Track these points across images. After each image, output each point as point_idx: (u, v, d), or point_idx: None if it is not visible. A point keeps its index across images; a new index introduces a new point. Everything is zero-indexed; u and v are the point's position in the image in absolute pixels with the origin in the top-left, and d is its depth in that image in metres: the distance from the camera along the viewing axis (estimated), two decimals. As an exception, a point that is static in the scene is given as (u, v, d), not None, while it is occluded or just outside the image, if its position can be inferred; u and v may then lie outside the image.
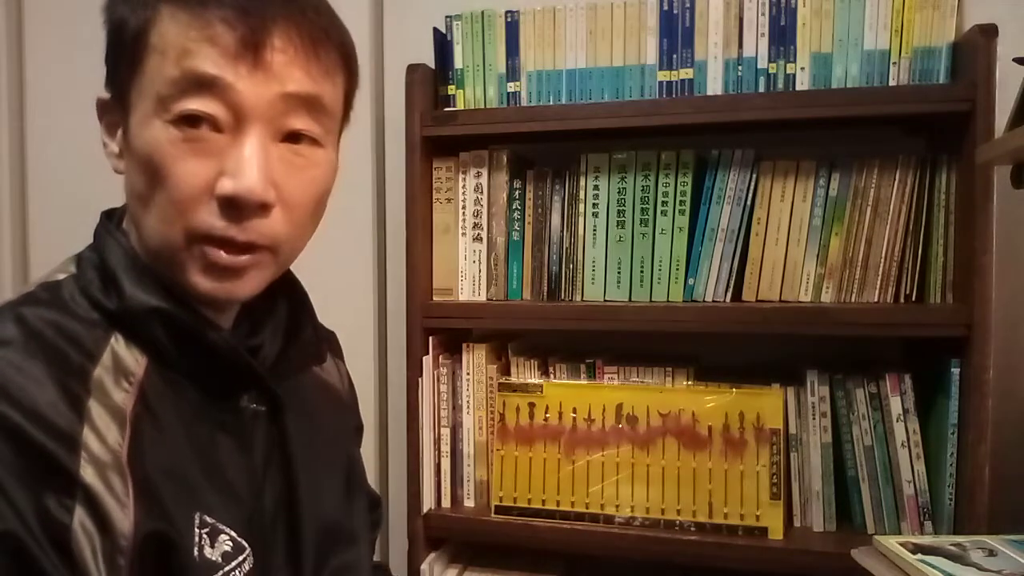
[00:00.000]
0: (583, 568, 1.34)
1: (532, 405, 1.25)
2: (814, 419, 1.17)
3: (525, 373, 1.30)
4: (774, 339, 1.26)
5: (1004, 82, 1.06)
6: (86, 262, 0.64)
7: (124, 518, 0.54)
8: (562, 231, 1.28)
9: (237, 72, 0.58)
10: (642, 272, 1.24)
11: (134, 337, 0.61)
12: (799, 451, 1.18)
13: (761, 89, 1.17)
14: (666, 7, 1.20)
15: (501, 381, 1.28)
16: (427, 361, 1.29)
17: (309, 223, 0.66)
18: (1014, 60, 1.02)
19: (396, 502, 1.53)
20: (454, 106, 1.30)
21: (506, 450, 1.26)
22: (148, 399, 0.59)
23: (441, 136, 1.28)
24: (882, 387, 1.14)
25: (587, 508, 1.22)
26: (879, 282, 1.16)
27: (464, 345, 1.31)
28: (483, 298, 1.31)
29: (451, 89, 1.30)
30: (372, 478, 1.52)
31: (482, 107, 1.29)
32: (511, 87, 1.28)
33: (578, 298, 1.27)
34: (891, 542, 0.89)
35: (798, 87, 1.16)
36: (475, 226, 1.31)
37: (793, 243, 1.19)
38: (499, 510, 1.26)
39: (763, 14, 1.17)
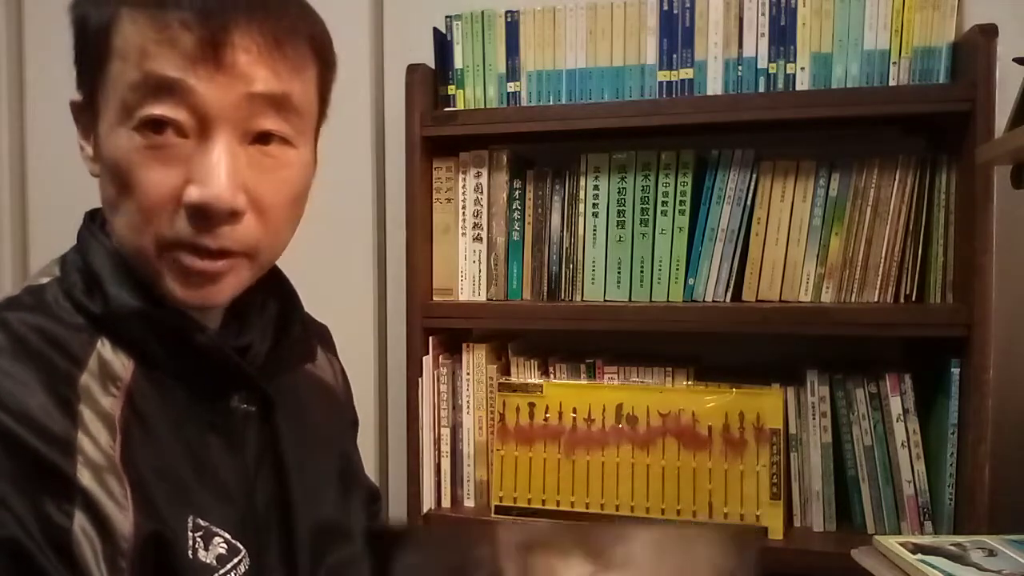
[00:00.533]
0: (583, 568, 1.34)
1: (532, 405, 1.25)
2: (814, 419, 1.17)
3: (525, 373, 1.30)
4: (774, 339, 1.26)
5: (1004, 82, 1.06)
6: (70, 264, 0.63)
7: (124, 520, 0.54)
8: (562, 231, 1.28)
9: (198, 75, 0.56)
10: (642, 272, 1.24)
11: (120, 340, 0.60)
12: (799, 451, 1.18)
13: (761, 89, 1.17)
14: (666, 7, 1.20)
15: (501, 381, 1.28)
16: (427, 361, 1.29)
17: (285, 225, 0.65)
18: (1014, 60, 1.02)
19: (396, 502, 1.53)
20: (454, 106, 1.30)
21: (506, 450, 1.26)
22: (136, 403, 0.59)
23: (441, 136, 1.28)
24: (882, 387, 1.14)
25: (587, 508, 1.22)
26: (879, 282, 1.16)
27: (464, 345, 1.31)
28: (483, 298, 1.31)
29: (451, 89, 1.30)
30: (372, 478, 1.52)
31: (482, 107, 1.29)
32: (511, 87, 1.28)
33: (578, 298, 1.27)
34: (891, 542, 0.89)
35: (798, 87, 1.16)
36: (475, 226, 1.31)
37: (793, 243, 1.19)
38: (499, 510, 1.26)
39: (763, 14, 1.17)
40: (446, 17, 1.31)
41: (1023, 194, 1.07)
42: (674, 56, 1.21)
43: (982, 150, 1.04)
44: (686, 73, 1.20)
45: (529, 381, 1.27)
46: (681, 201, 1.22)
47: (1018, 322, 1.23)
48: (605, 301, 1.25)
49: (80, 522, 0.52)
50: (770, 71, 1.17)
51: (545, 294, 1.29)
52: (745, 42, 1.18)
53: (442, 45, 1.31)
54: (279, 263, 0.70)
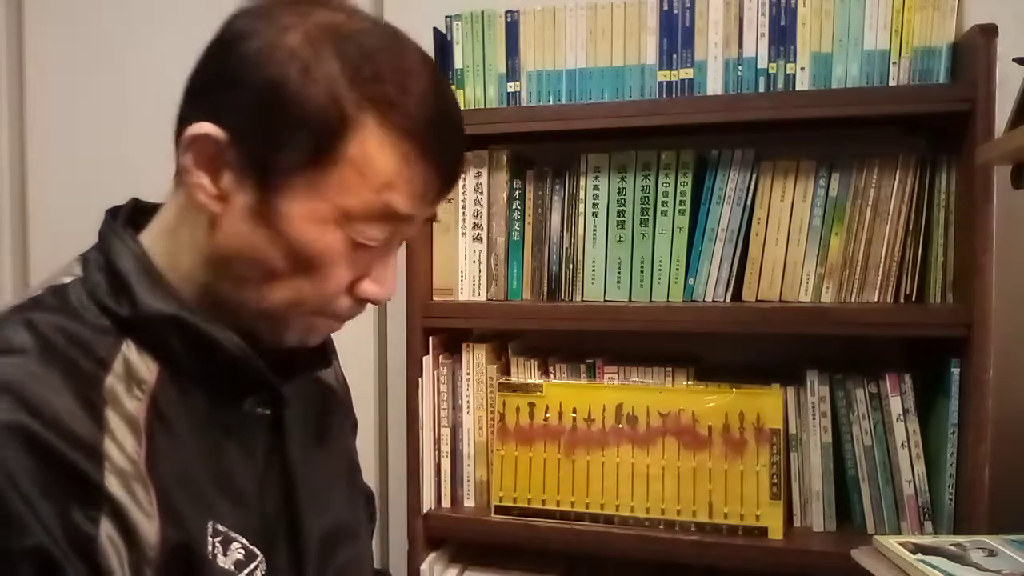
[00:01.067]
0: (583, 568, 1.34)
1: (532, 405, 1.25)
2: (814, 419, 1.17)
3: (525, 373, 1.30)
4: (774, 339, 1.26)
5: (1004, 82, 1.06)
6: (92, 264, 0.62)
7: (150, 529, 0.54)
8: (562, 231, 1.28)
9: (419, 209, 0.62)
10: (642, 272, 1.24)
11: (145, 343, 0.60)
12: (799, 451, 1.18)
13: (761, 89, 1.17)
14: (666, 7, 1.20)
15: (501, 381, 1.28)
16: (427, 361, 1.29)
17: None
18: (1014, 60, 1.02)
19: (396, 502, 1.53)
20: (454, 106, 1.30)
21: (506, 450, 1.26)
22: (160, 407, 0.59)
23: (441, 136, 1.27)
24: (882, 387, 1.14)
25: (587, 508, 1.22)
26: (879, 282, 1.16)
27: (464, 345, 1.31)
28: (483, 298, 1.31)
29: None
30: (372, 478, 1.53)
31: (482, 107, 1.29)
32: (511, 87, 1.28)
33: (578, 298, 1.27)
34: (891, 542, 0.89)
35: (798, 87, 1.16)
36: (475, 226, 1.31)
37: (793, 243, 1.19)
38: (499, 510, 1.26)
39: (763, 14, 1.17)
40: (446, 17, 1.30)
41: (1023, 194, 1.07)
42: (674, 56, 1.21)
43: (982, 150, 1.04)
44: (686, 73, 1.20)
45: (529, 381, 1.27)
46: (681, 201, 1.22)
47: (1018, 322, 1.23)
48: (605, 301, 1.25)
49: (107, 530, 0.52)
50: (770, 71, 1.17)
51: (545, 294, 1.29)
52: (745, 42, 1.18)
53: (442, 45, 1.31)
54: None
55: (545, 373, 1.30)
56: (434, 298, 1.31)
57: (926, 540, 0.90)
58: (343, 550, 0.73)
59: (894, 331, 1.14)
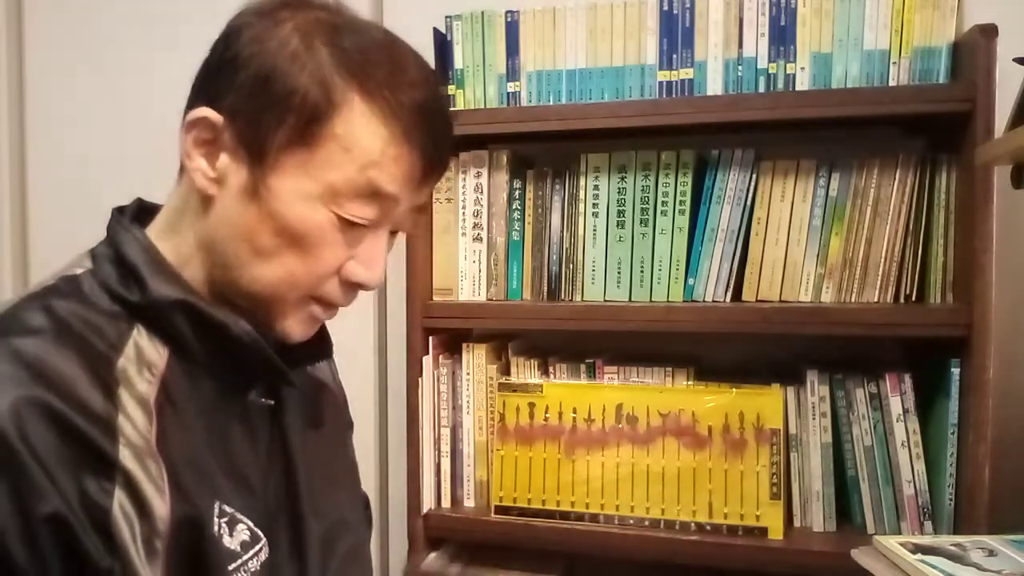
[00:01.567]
0: (583, 568, 1.34)
1: (532, 405, 1.25)
2: (814, 419, 1.17)
3: (525, 373, 1.30)
4: (774, 339, 1.26)
5: (1004, 82, 1.06)
6: (101, 257, 0.64)
7: (162, 503, 0.56)
8: (562, 231, 1.28)
9: (407, 192, 0.64)
10: (642, 272, 1.24)
11: (156, 329, 0.62)
12: (799, 451, 1.18)
13: (761, 89, 1.17)
14: (666, 7, 1.20)
15: (501, 381, 1.28)
16: (427, 361, 1.29)
17: None
18: (1014, 60, 1.02)
19: (396, 502, 1.53)
20: (454, 106, 1.30)
21: (506, 450, 1.26)
22: (170, 390, 0.61)
23: (441, 136, 1.27)
24: (882, 387, 1.14)
25: (587, 508, 1.22)
26: (879, 282, 1.16)
27: (464, 345, 1.31)
28: (483, 298, 1.31)
29: (451, 89, 1.30)
30: (372, 478, 1.53)
31: (482, 107, 1.29)
32: (511, 87, 1.28)
33: (578, 298, 1.27)
34: (891, 542, 0.89)
35: (798, 87, 1.16)
36: (475, 226, 1.31)
37: (793, 243, 1.19)
38: (499, 510, 1.26)
39: (763, 14, 1.17)
40: (446, 17, 1.30)
41: (1023, 194, 1.07)
42: (674, 56, 1.21)
43: (982, 150, 1.04)
44: (686, 73, 1.20)
45: (529, 381, 1.27)
46: (681, 201, 1.22)
47: (1018, 322, 1.23)
48: (605, 301, 1.25)
49: (120, 501, 0.54)
50: (770, 71, 1.17)
51: (545, 294, 1.29)
52: (745, 42, 1.18)
53: (442, 45, 1.31)
54: None
55: (545, 373, 1.30)
56: (434, 298, 1.31)
57: (926, 540, 0.90)
58: (345, 539, 0.75)
59: (894, 331, 1.14)
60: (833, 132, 1.25)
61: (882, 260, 1.16)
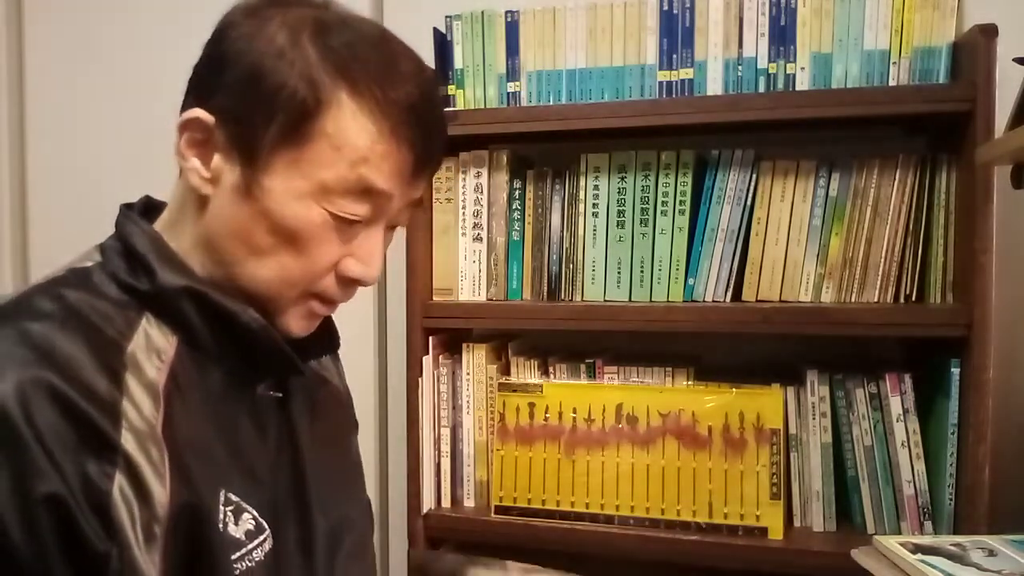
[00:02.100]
0: (583, 568, 1.34)
1: (532, 405, 1.25)
2: (814, 419, 1.17)
3: (525, 373, 1.30)
4: (774, 339, 1.26)
5: (1004, 82, 1.06)
6: (110, 250, 0.65)
7: (162, 489, 0.56)
8: (562, 231, 1.28)
9: (399, 188, 0.64)
10: (642, 272, 1.24)
11: (165, 318, 0.62)
12: (799, 451, 1.18)
13: (761, 89, 1.17)
14: (666, 7, 1.20)
15: (501, 381, 1.28)
16: (427, 361, 1.29)
17: None
18: (1014, 60, 1.02)
19: (396, 502, 1.53)
20: (454, 106, 1.30)
21: (506, 450, 1.26)
22: (178, 378, 0.61)
23: (441, 136, 1.27)
24: (882, 387, 1.14)
25: (587, 508, 1.22)
26: (879, 282, 1.16)
27: (464, 345, 1.31)
28: (483, 298, 1.31)
29: (451, 89, 1.30)
30: (372, 478, 1.53)
31: (482, 107, 1.29)
32: (511, 87, 1.28)
33: (578, 298, 1.27)
34: (891, 542, 0.89)
35: (798, 87, 1.16)
36: (475, 226, 1.31)
37: (793, 243, 1.19)
38: (499, 510, 1.26)
39: (763, 14, 1.17)
40: (446, 17, 1.30)
41: (1023, 194, 1.07)
42: (674, 56, 1.21)
43: (982, 150, 1.04)
44: (686, 73, 1.20)
45: (529, 381, 1.27)
46: (681, 201, 1.22)
47: (1018, 322, 1.23)
48: (605, 301, 1.25)
49: (120, 485, 0.54)
50: (770, 71, 1.17)
51: (545, 294, 1.29)
52: (745, 42, 1.18)
53: (442, 45, 1.31)
54: None
55: (545, 373, 1.30)
56: (434, 298, 1.31)
57: (926, 540, 0.90)
58: (349, 538, 0.75)
59: (894, 331, 1.14)
60: (833, 132, 1.25)
61: (882, 260, 1.15)
